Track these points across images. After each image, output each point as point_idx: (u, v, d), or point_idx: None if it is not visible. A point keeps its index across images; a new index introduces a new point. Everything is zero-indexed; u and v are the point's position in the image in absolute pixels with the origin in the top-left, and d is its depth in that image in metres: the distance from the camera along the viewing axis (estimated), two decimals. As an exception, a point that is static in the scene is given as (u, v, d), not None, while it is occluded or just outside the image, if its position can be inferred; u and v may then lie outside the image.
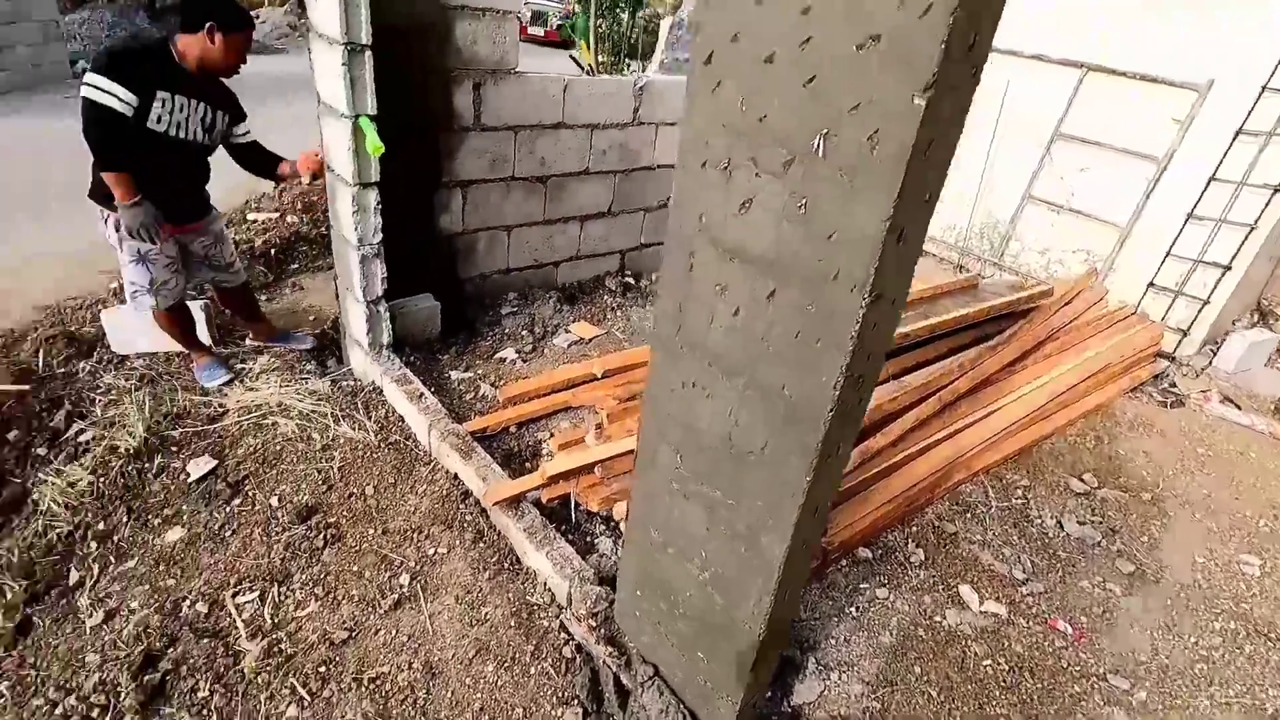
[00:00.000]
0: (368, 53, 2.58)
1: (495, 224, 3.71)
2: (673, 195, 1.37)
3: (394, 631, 2.07)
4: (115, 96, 2.39)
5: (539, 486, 2.46)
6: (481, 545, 2.38)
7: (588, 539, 2.42)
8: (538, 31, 15.62)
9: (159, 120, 2.55)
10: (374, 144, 2.61)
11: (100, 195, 2.63)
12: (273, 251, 4.69)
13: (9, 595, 2.15)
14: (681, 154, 1.32)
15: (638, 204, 4.28)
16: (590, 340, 3.72)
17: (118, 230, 2.68)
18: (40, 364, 3.36)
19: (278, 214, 5.26)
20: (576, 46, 8.72)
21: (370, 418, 2.97)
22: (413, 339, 3.43)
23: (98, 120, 2.37)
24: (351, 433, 2.86)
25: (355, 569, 2.26)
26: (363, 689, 1.90)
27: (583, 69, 7.46)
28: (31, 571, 2.26)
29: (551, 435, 2.91)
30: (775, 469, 1.33)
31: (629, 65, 8.36)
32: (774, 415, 1.29)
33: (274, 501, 2.52)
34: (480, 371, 3.36)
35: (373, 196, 2.85)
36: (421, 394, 2.96)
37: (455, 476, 2.65)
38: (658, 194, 4.33)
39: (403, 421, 2.98)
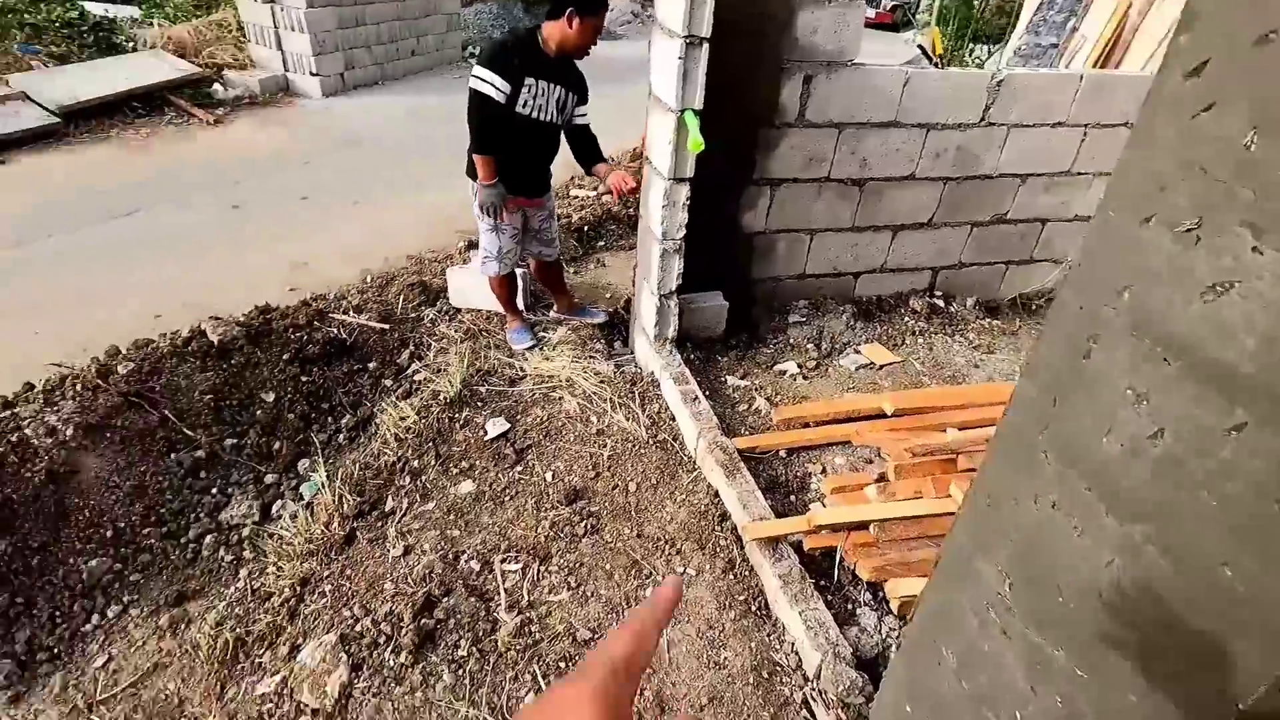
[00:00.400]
0: (705, 46, 2.50)
1: (799, 226, 3.47)
2: (1081, 250, 1.01)
3: (632, 647, 2.03)
4: (494, 86, 2.71)
5: (803, 532, 2.22)
6: (731, 578, 2.23)
7: (849, 605, 2.13)
8: (869, 12, 14.70)
9: (524, 104, 2.82)
10: (695, 141, 2.54)
11: (472, 172, 3.00)
12: (585, 228, 5.05)
13: (345, 506, 2.58)
14: (1111, 198, 0.94)
15: (965, 216, 3.69)
16: (882, 367, 3.32)
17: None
18: (399, 306, 4.01)
19: (595, 192, 5.65)
20: (917, 29, 7.92)
21: (644, 410, 2.99)
22: (696, 335, 3.39)
23: (479, 107, 2.73)
24: (625, 423, 2.91)
25: (607, 568, 2.27)
26: (594, 699, 1.88)
27: (930, 59, 6.72)
28: (363, 490, 2.68)
29: (825, 472, 2.63)
30: (1179, 672, 0.92)
31: (971, 51, 7.35)
32: (1194, 593, 0.88)
33: (549, 476, 2.66)
34: (757, 382, 3.19)
35: (684, 192, 2.81)
36: (696, 397, 2.89)
37: (716, 494, 2.53)
38: (994, 206, 3.68)
39: (673, 421, 2.94)
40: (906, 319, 3.70)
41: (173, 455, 2.75)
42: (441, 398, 3.06)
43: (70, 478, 2.52)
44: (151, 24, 7.73)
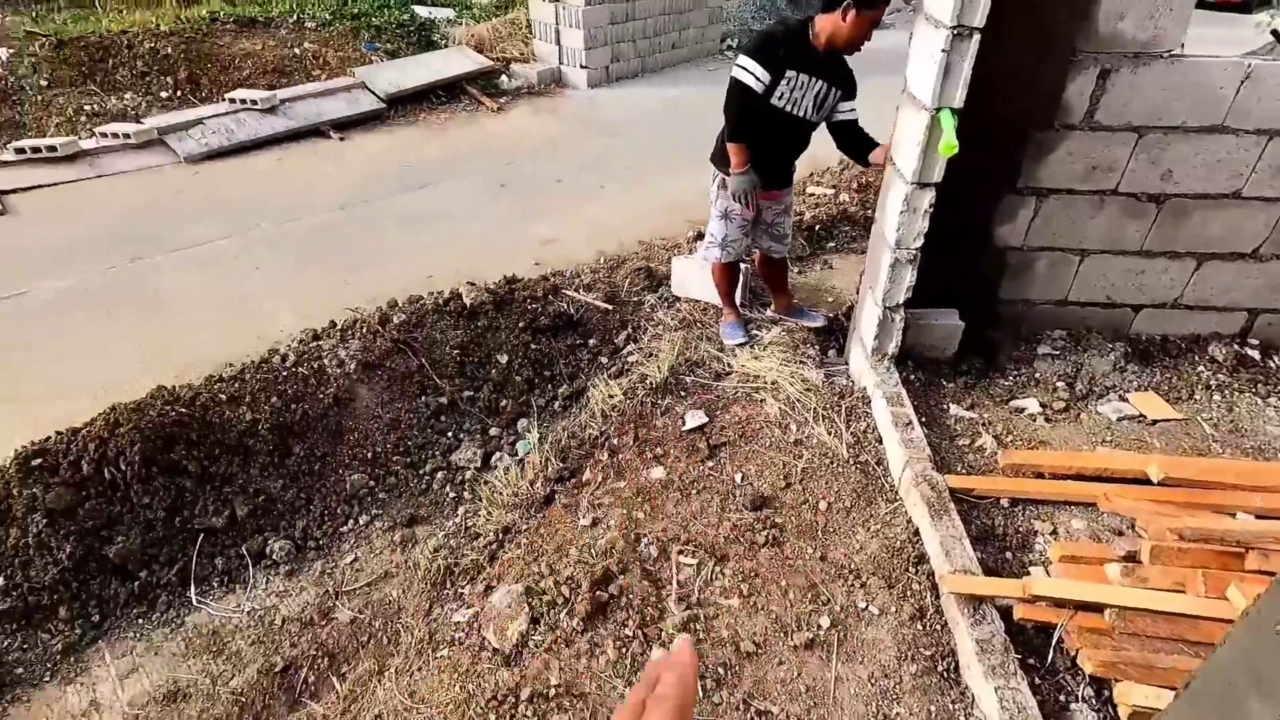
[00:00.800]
0: (975, 37, 2.24)
1: (1067, 245, 2.99)
2: None
3: (796, 673, 1.94)
4: (754, 75, 2.72)
5: (1016, 597, 1.93)
6: (919, 628, 2.02)
7: (1061, 697, 1.81)
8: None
9: (780, 97, 2.79)
10: (948, 143, 2.30)
11: (719, 159, 3.05)
12: (817, 227, 4.86)
13: (549, 469, 2.80)
14: None
15: (1313, 249, 2.90)
16: (1156, 423, 2.75)
17: (722, 189, 3.09)
18: (625, 289, 4.23)
19: (833, 190, 5.42)
20: (1276, 9, 6.33)
21: (848, 427, 2.81)
22: (920, 353, 3.10)
23: (738, 95, 2.76)
24: (825, 437, 2.77)
25: (782, 584, 2.20)
26: (746, 715, 1.84)
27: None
28: (566, 456, 2.88)
29: (1055, 534, 2.26)
30: None
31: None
32: None
33: (738, 477, 2.64)
34: (986, 416, 2.83)
35: (927, 198, 2.56)
36: (910, 421, 2.65)
37: (916, 531, 2.31)
38: (1359, 240, 2.84)
39: (880, 444, 2.74)
40: (1200, 368, 3.02)
41: (422, 398, 3.20)
42: (648, 382, 3.17)
43: (349, 404, 3.06)
44: (460, 24, 8.95)
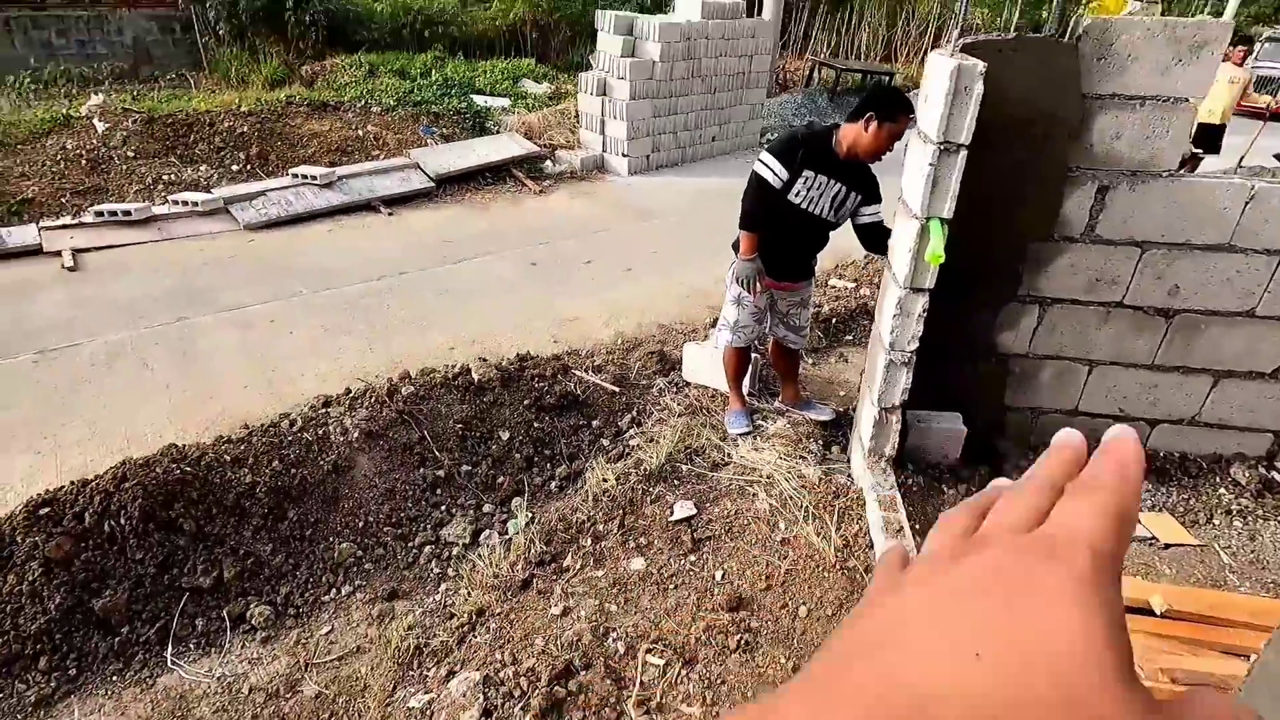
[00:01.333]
0: (962, 153, 2.30)
1: (1074, 355, 2.94)
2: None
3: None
4: (772, 171, 2.87)
5: None
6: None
7: None
8: (1261, 100, 12.02)
9: (797, 194, 2.91)
10: (934, 253, 2.33)
11: (737, 245, 3.16)
12: (834, 320, 4.88)
13: (531, 552, 2.79)
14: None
15: (1340, 373, 2.77)
16: (1169, 547, 2.60)
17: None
18: (635, 371, 4.28)
19: (854, 284, 5.45)
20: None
21: (840, 529, 2.74)
22: (921, 457, 3.03)
23: (755, 188, 2.92)
24: (814, 538, 2.69)
25: (749, 694, 2.10)
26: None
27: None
28: (551, 540, 2.87)
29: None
30: None
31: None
32: None
33: (718, 574, 2.57)
34: (985, 527, 2.72)
35: (920, 303, 2.57)
36: (901, 529, 2.57)
37: (895, 648, 2.20)
38: (1391, 366, 2.71)
39: (871, 549, 2.65)
40: (1221, 491, 2.86)
41: (421, 470, 3.25)
42: (643, 468, 3.17)
43: (348, 471, 3.13)
44: (514, 112, 9.56)
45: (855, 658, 0.26)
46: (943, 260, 2.33)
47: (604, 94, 8.30)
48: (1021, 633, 0.23)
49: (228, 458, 2.93)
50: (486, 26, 12.31)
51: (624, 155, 8.37)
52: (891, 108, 2.68)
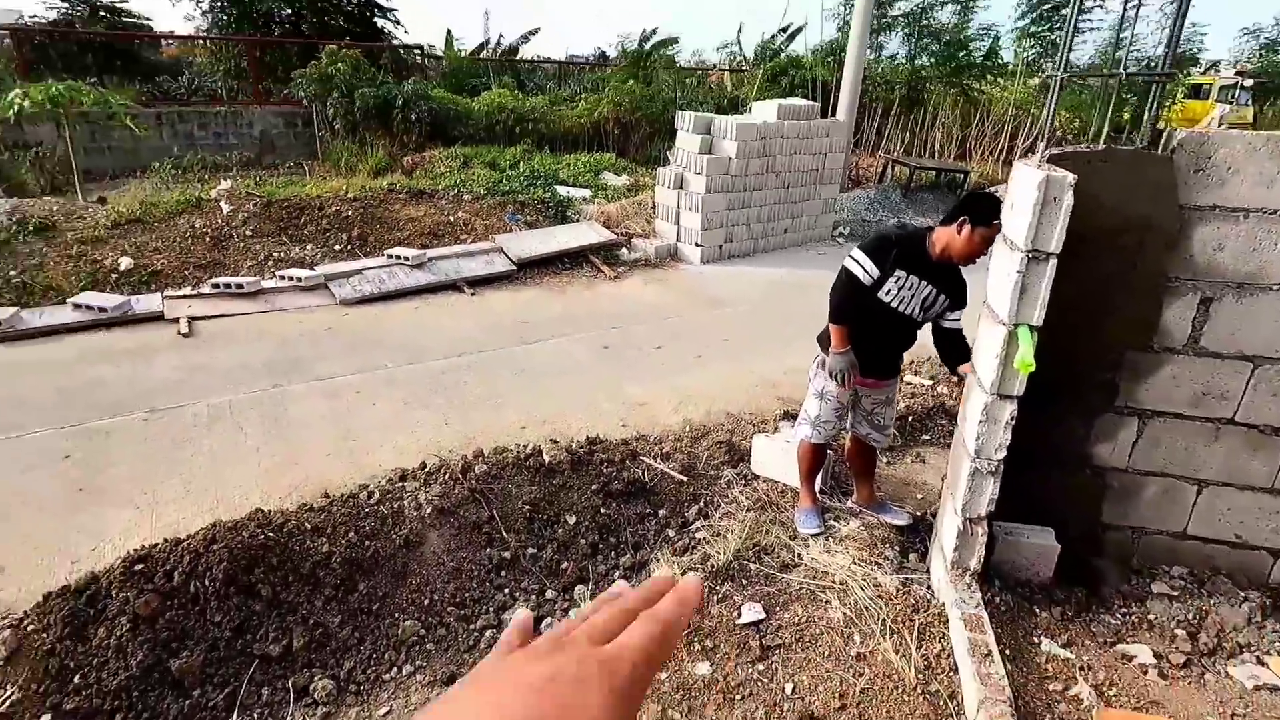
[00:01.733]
0: (1051, 261, 2.27)
1: (1181, 473, 2.74)
2: None
3: None
4: (864, 269, 2.92)
5: None
6: None
7: None
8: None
9: (887, 292, 2.94)
10: (1024, 360, 2.26)
11: (824, 339, 3.21)
12: (910, 418, 4.74)
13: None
14: None
15: None
16: (1304, 699, 2.30)
17: (821, 369, 3.22)
18: (704, 461, 4.24)
19: (931, 381, 5.31)
20: None
21: (920, 648, 2.56)
22: (1010, 573, 2.84)
23: (845, 284, 2.96)
24: (892, 655, 2.53)
25: (820, 829, 1.94)
26: None
27: None
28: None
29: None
30: None
31: None
32: None
33: (789, 687, 2.43)
34: (1086, 658, 2.49)
35: (1008, 410, 2.48)
36: (989, 653, 2.38)
37: (986, 791, 2.00)
38: None
39: (955, 673, 2.46)
40: (1364, 637, 2.54)
41: (488, 550, 3.27)
42: (710, 564, 3.08)
43: (418, 547, 3.18)
44: (594, 203, 10.05)
45: None
46: (1033, 369, 2.26)
47: (680, 187, 8.65)
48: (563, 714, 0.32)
49: (308, 526, 3.03)
50: (572, 124, 13.18)
51: (697, 245, 8.60)
52: (985, 212, 2.70)
